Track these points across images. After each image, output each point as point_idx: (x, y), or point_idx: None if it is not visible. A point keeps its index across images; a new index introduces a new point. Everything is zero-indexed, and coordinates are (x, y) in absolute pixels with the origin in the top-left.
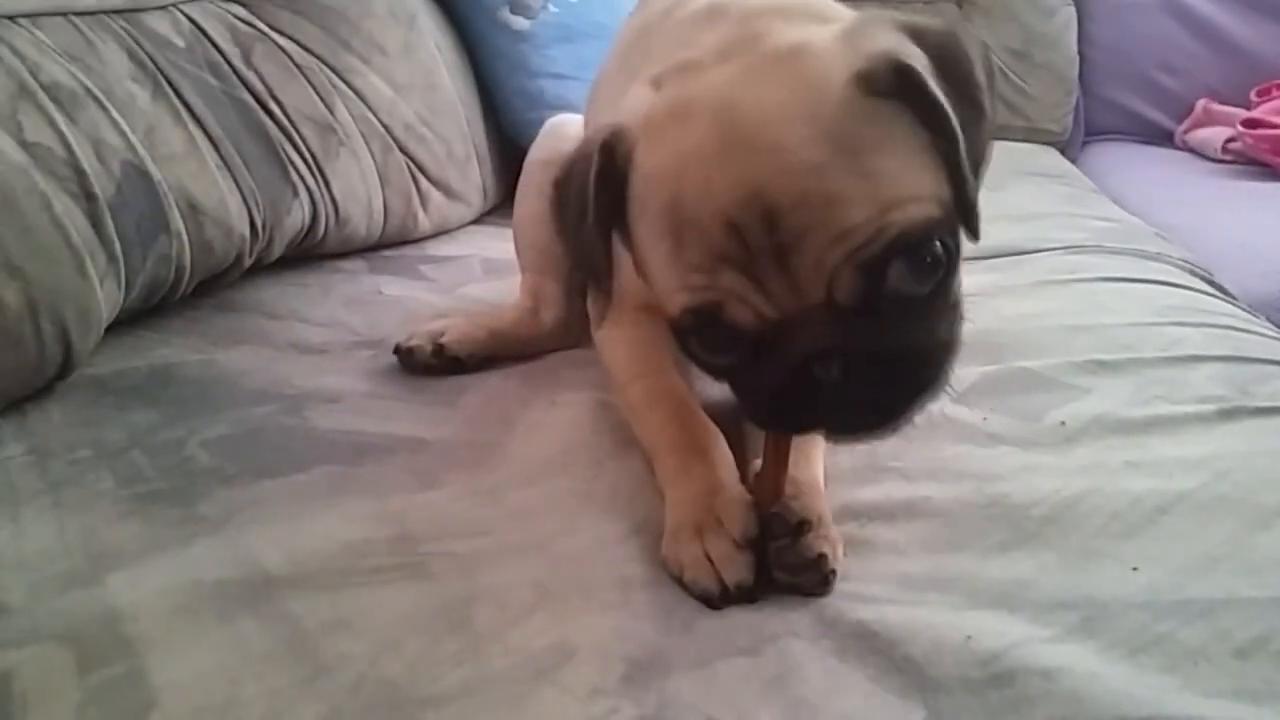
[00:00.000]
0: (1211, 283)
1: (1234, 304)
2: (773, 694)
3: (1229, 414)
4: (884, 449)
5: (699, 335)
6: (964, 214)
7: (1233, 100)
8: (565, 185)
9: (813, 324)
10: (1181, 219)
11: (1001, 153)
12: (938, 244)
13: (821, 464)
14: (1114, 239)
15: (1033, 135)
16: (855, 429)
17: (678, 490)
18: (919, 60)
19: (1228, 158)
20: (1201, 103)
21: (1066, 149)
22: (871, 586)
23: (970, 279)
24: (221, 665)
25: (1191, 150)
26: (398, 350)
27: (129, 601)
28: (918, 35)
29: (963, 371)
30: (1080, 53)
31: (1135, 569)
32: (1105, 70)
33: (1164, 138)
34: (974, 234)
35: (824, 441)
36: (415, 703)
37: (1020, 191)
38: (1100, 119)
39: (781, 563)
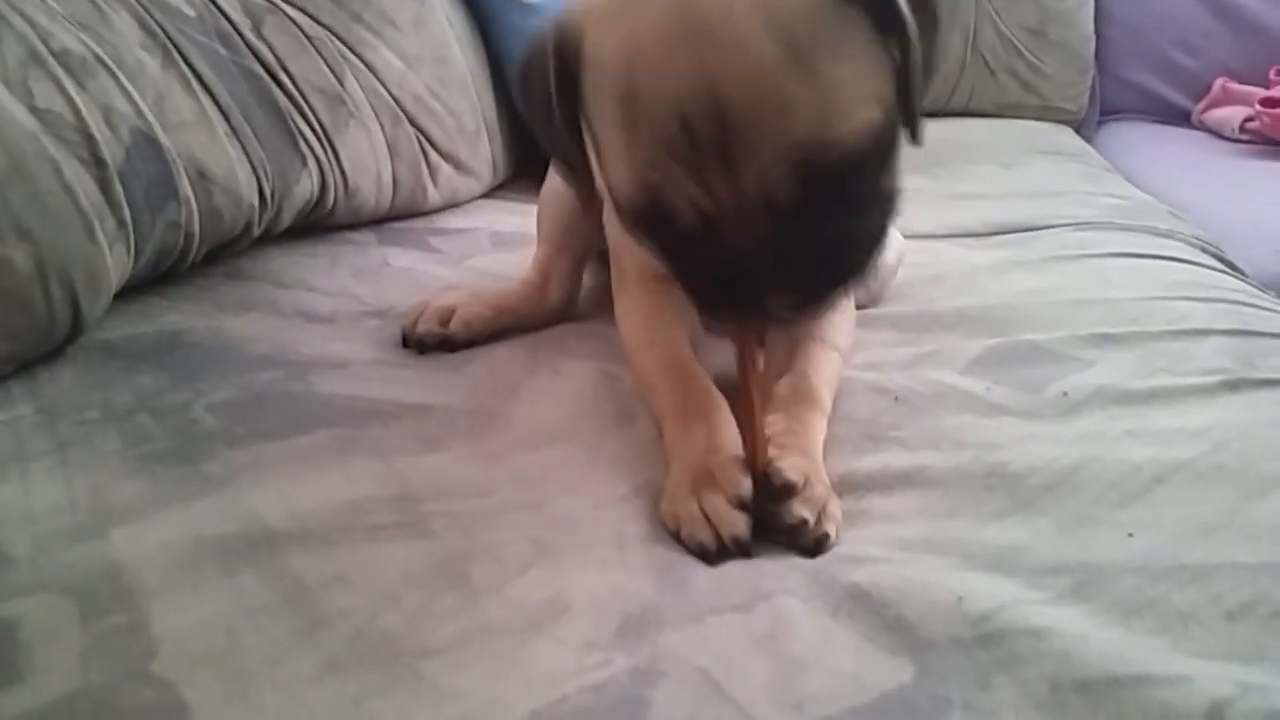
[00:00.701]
0: (1221, 259)
1: (1243, 280)
2: (764, 649)
3: (1232, 385)
4: (885, 419)
5: (647, 226)
6: (908, 118)
7: (1251, 79)
8: (527, 85)
9: (749, 222)
10: (1197, 198)
11: (1015, 130)
12: (875, 150)
13: (818, 431)
14: (1125, 216)
15: (1047, 114)
16: (785, 313)
17: (679, 450)
18: None
19: (1245, 137)
20: (1219, 82)
21: (1081, 128)
22: (867, 550)
23: (981, 254)
24: (221, 616)
25: (1208, 130)
26: (405, 338)
27: (132, 555)
28: None
29: (968, 344)
30: (1097, 31)
31: (1131, 535)
32: (1122, 48)
33: (1181, 117)
34: (916, 138)
35: (824, 410)
36: (412, 653)
37: (1033, 169)
38: (1116, 98)
39: (769, 526)
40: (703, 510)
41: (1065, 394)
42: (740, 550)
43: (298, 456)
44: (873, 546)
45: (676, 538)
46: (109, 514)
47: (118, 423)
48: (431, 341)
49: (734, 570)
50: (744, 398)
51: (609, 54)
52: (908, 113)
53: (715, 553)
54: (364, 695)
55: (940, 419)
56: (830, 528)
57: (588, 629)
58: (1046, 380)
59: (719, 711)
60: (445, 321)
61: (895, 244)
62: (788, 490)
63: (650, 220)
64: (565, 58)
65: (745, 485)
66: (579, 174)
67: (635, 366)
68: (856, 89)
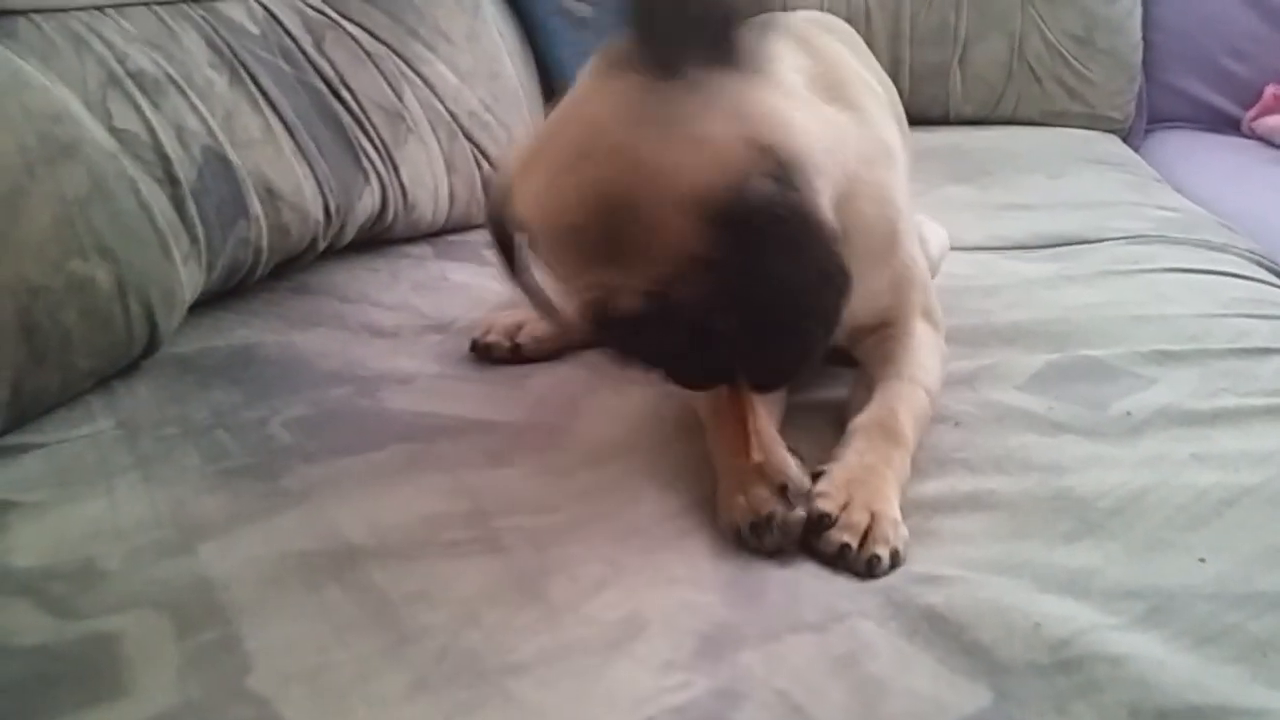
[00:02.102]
0: (1278, 273)
1: None
2: (842, 671)
3: None
4: (948, 441)
5: (607, 331)
6: None
7: None
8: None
9: (692, 284)
10: (1248, 207)
11: (1062, 139)
12: (768, 173)
13: (888, 462)
14: (1178, 229)
15: (1094, 122)
16: (763, 372)
17: (723, 458)
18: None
19: None
20: (1270, 88)
21: (1129, 137)
22: (939, 569)
23: (1033, 267)
24: (311, 632)
25: (1259, 138)
26: (474, 346)
27: (220, 570)
28: None
29: (1027, 359)
30: (1145, 38)
31: (1202, 560)
32: (1171, 56)
33: (1230, 125)
34: None
35: (902, 443)
36: (497, 671)
37: (1081, 179)
38: (1164, 106)
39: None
40: (751, 505)
41: (1128, 413)
42: (790, 534)
43: (372, 472)
44: (945, 567)
45: (736, 537)
46: (194, 529)
47: (196, 438)
48: (499, 353)
49: (807, 589)
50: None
51: (524, 190)
52: None
53: (767, 531)
54: (455, 713)
55: (1003, 439)
56: (880, 550)
57: (666, 649)
58: (1108, 399)
59: None
60: (513, 335)
61: (938, 239)
62: (821, 521)
63: (607, 327)
64: (503, 221)
65: (782, 472)
66: (548, 313)
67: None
68: (723, 129)
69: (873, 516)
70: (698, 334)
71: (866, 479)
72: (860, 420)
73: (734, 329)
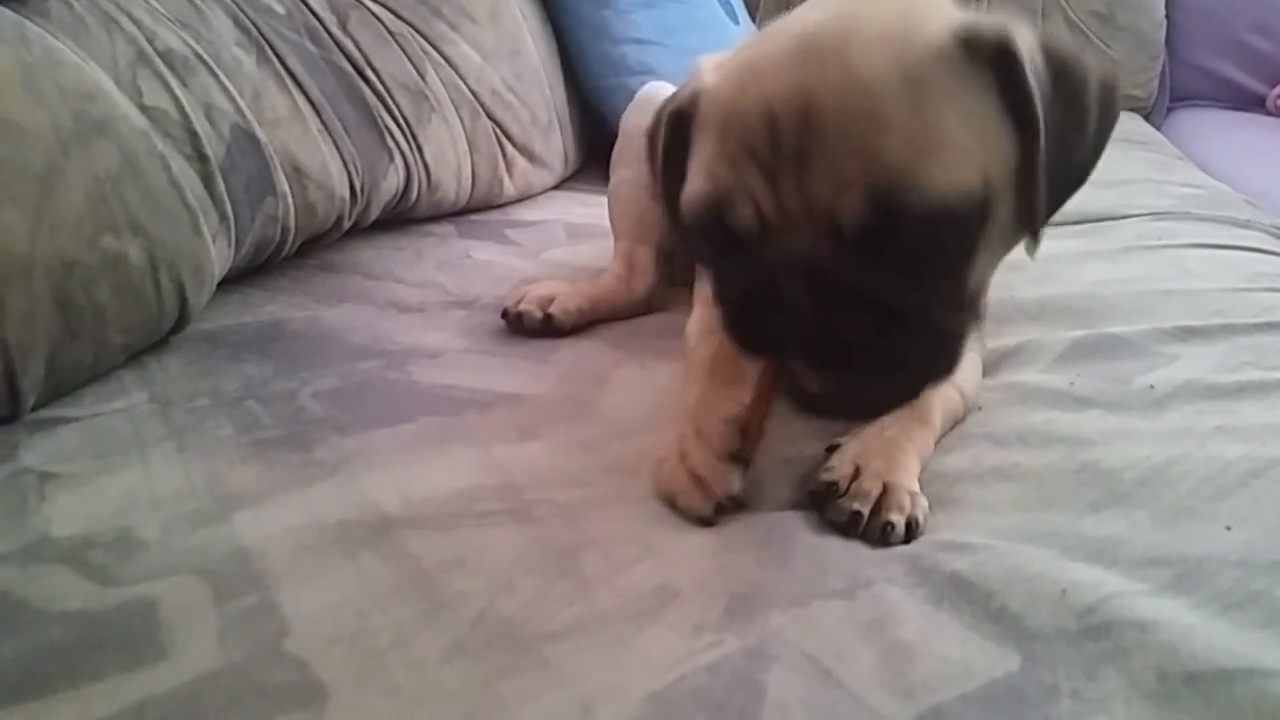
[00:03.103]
0: None
1: None
2: (871, 636)
3: None
4: (972, 418)
5: (704, 231)
6: (1026, 215)
7: None
8: (653, 134)
9: (799, 236)
10: (1272, 185)
11: None
12: (961, 218)
13: (910, 437)
14: (1202, 205)
15: None
16: (821, 378)
17: (681, 413)
18: (1028, 51)
19: None
20: None
21: (1151, 115)
22: (966, 537)
23: (1057, 243)
24: (348, 598)
25: None
26: (506, 314)
27: (256, 539)
28: (1046, 43)
29: (1051, 336)
30: (1168, 16)
31: (1228, 528)
32: (1193, 34)
33: (1254, 103)
34: (1033, 239)
35: (929, 424)
36: (534, 638)
37: (1105, 157)
38: (1186, 84)
39: (831, 524)
40: (693, 473)
41: (1152, 387)
42: (736, 506)
43: (403, 443)
44: (970, 534)
45: (673, 508)
46: (229, 498)
47: (228, 410)
48: (531, 323)
49: (834, 556)
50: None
51: (726, 78)
52: (1027, 209)
53: (714, 513)
54: (492, 677)
55: (1026, 414)
56: (894, 516)
57: (697, 613)
58: (1131, 374)
59: (832, 697)
60: (545, 306)
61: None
62: (828, 490)
63: (707, 221)
64: (684, 107)
65: (730, 439)
66: (675, 228)
67: (690, 361)
68: (960, 146)
69: (885, 486)
70: (766, 286)
71: (883, 450)
72: None
73: (806, 308)
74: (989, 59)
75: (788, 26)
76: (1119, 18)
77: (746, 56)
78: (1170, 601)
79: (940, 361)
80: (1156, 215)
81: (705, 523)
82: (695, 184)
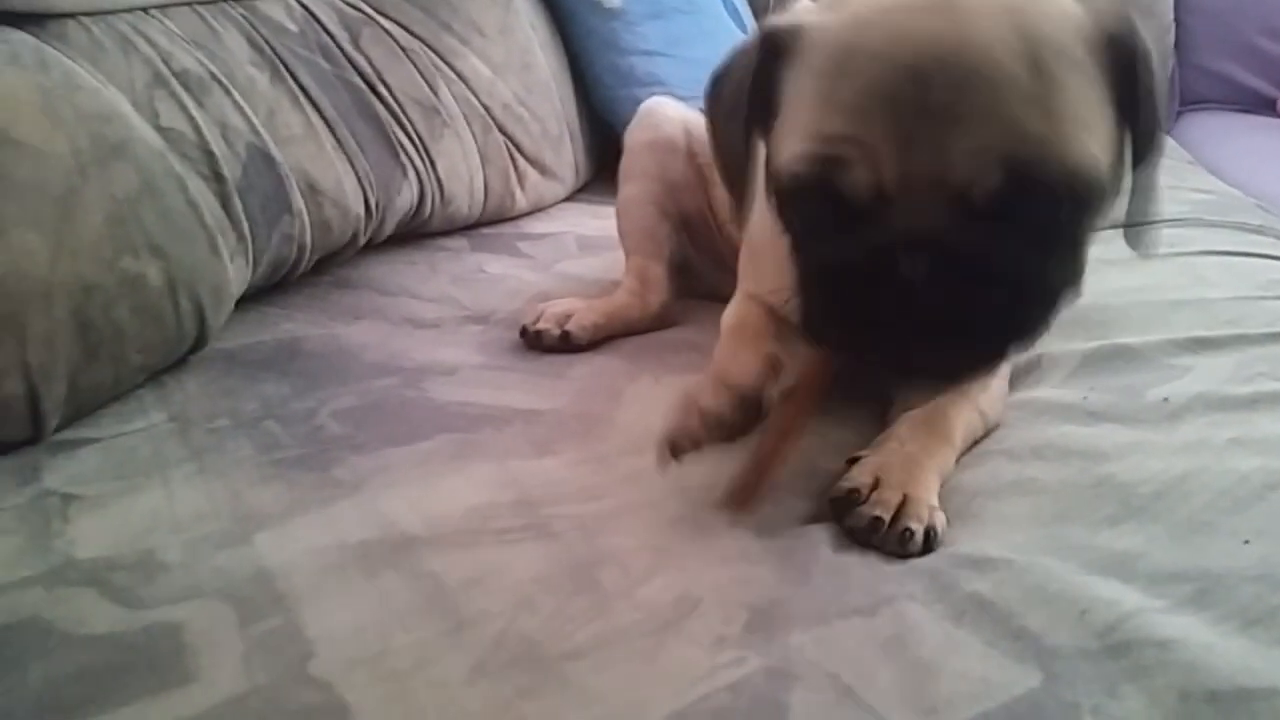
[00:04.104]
0: None
1: None
2: (891, 654)
3: None
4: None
5: (807, 195)
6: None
7: None
8: (721, 82)
9: (928, 208)
10: None
11: None
12: (1087, 194)
13: (930, 454)
14: (1214, 211)
15: None
16: (920, 366)
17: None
18: (1144, 49)
19: None
20: None
21: None
22: (983, 553)
23: None
24: (371, 618)
25: None
26: (524, 332)
27: (279, 560)
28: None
29: (1064, 348)
30: (1177, 19)
31: (1246, 542)
32: (1203, 37)
33: (1265, 106)
34: (1138, 240)
35: (949, 440)
36: (555, 656)
37: None
38: (1196, 87)
39: (850, 531)
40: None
41: (1166, 400)
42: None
43: (420, 461)
44: (989, 549)
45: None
46: (250, 519)
47: (247, 430)
48: (549, 340)
49: (854, 572)
50: (780, 418)
51: (843, 21)
52: (1139, 208)
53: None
54: (515, 698)
55: (1041, 430)
56: (913, 524)
57: (718, 623)
58: (1144, 386)
59: (855, 717)
60: (562, 323)
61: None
62: (849, 497)
63: (812, 190)
64: (773, 52)
65: (723, 408)
66: (737, 179)
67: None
68: (1089, 124)
69: (905, 497)
70: (881, 264)
71: (904, 464)
72: (908, 415)
73: (925, 291)
74: (1115, 46)
75: None
76: None
77: (856, 8)
78: (1189, 618)
79: (1038, 329)
80: (1170, 222)
81: (683, 447)
82: (799, 142)
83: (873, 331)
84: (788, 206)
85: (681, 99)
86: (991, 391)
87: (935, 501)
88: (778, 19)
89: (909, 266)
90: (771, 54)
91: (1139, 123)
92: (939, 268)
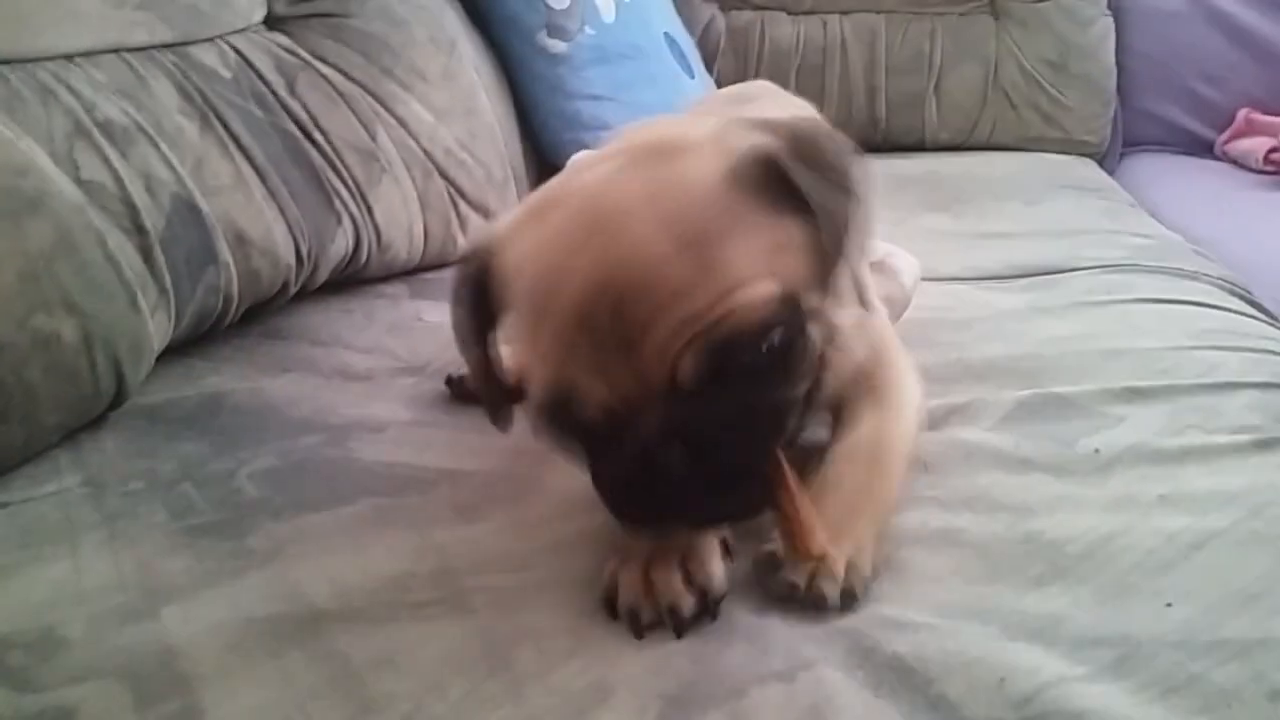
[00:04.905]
0: (1251, 302)
1: (1274, 324)
2: None
3: (1265, 445)
4: (920, 478)
5: (558, 427)
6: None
7: (1275, 110)
8: (454, 308)
9: (655, 409)
10: (1222, 231)
11: (1038, 164)
12: (781, 323)
13: (857, 492)
14: (1151, 257)
15: (1069, 147)
16: (713, 514)
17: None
18: (781, 150)
19: (1270, 169)
20: (1243, 112)
21: (1104, 161)
22: (908, 613)
23: (1006, 298)
24: (273, 702)
25: (1233, 161)
26: (449, 381)
27: (183, 637)
28: (775, 129)
29: (997, 396)
30: (1118, 63)
31: (1169, 605)
32: (1144, 80)
33: (1204, 148)
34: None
35: (880, 466)
36: None
37: (1056, 205)
38: (1138, 130)
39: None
40: (648, 580)
41: (1097, 451)
42: (676, 623)
43: (339, 528)
44: (912, 610)
45: (611, 611)
46: (158, 592)
47: (163, 493)
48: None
49: (774, 634)
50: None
51: (519, 262)
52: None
53: (646, 626)
54: None
55: (972, 477)
56: (828, 588)
57: (630, 716)
58: (1076, 436)
59: None
60: None
61: (910, 271)
62: (771, 561)
63: (560, 421)
64: (481, 277)
65: (716, 573)
66: (488, 394)
67: None
68: (749, 266)
69: (824, 556)
70: (643, 464)
71: (832, 516)
72: (840, 448)
73: (687, 466)
74: (758, 180)
75: (565, 196)
76: (1071, 65)
77: (532, 230)
78: (1109, 686)
79: (791, 418)
80: (1106, 268)
81: (636, 631)
82: (538, 391)
83: (656, 508)
84: (548, 430)
85: None
86: (898, 385)
87: (866, 550)
88: (482, 233)
89: (665, 459)
90: (481, 270)
91: (818, 207)
92: (691, 447)
